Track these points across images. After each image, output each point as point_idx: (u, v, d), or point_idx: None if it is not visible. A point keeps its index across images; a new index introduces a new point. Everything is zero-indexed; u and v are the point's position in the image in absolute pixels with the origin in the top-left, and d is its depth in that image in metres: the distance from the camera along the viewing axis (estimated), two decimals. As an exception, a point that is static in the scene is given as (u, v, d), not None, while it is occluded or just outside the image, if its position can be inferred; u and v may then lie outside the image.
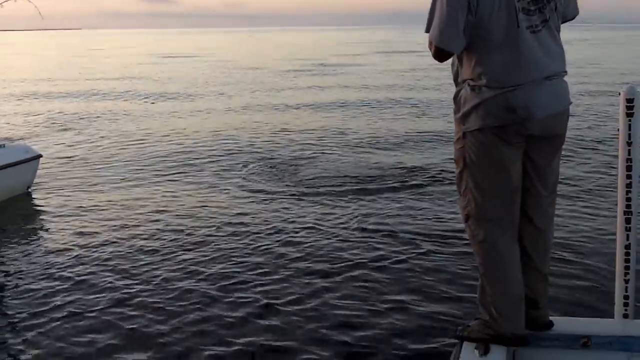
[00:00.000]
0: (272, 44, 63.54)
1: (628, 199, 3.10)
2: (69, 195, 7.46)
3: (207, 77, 23.82)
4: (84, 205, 7.01)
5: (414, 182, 7.63)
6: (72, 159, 9.53)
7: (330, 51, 44.76)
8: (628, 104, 3.07)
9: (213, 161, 9.38)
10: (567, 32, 2.96)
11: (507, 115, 2.85)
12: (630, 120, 3.07)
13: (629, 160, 3.08)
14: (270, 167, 8.92)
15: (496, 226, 3.01)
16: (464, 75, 2.96)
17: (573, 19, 3.11)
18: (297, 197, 7.20)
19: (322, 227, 6.11)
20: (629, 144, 3.08)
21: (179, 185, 7.81)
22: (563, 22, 3.05)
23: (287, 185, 7.74)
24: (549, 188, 3.09)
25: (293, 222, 6.28)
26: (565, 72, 3.00)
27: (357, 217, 6.38)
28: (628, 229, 3.11)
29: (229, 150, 10.20)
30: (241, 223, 6.31)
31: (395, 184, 7.65)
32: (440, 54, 2.93)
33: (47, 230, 6.33)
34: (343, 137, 11.20)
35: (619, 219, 3.12)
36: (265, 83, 21.51)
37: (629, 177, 3.08)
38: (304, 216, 6.47)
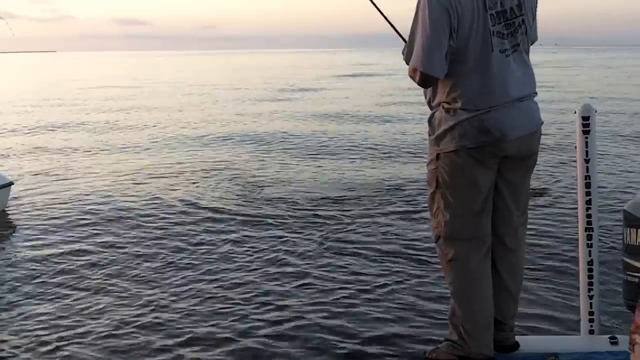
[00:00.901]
0: (245, 67, 63.42)
1: (588, 215, 3.13)
2: (41, 223, 7.34)
3: (170, 102, 23.57)
4: (56, 234, 6.87)
5: (390, 205, 7.60)
6: (44, 185, 9.36)
7: (304, 74, 44.95)
8: (584, 122, 3.13)
9: (180, 183, 9.29)
10: (543, 54, 3.00)
11: (482, 136, 2.89)
12: (586, 138, 3.13)
13: (587, 177, 3.13)
14: (237, 186, 8.83)
15: (467, 245, 3.04)
16: (439, 98, 2.99)
17: (532, 44, 3.17)
18: (265, 219, 7.14)
19: (289, 249, 6.07)
20: (587, 161, 3.13)
21: (146, 212, 7.66)
22: None
23: (255, 207, 7.67)
24: (521, 208, 3.13)
25: (262, 246, 6.20)
26: (536, 93, 3.07)
27: (328, 236, 6.35)
28: (589, 245, 3.14)
29: (196, 172, 10.10)
30: (212, 244, 6.20)
31: (368, 204, 7.64)
32: (426, 80, 2.92)
33: (15, 257, 6.19)
34: (316, 158, 11.19)
35: (580, 236, 3.16)
36: (243, 103, 21.52)
37: (588, 193, 3.13)
38: (273, 238, 6.40)
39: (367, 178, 9.19)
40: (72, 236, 6.60)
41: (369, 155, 11.17)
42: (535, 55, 2.95)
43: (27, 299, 5.04)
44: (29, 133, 15.25)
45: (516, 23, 2.92)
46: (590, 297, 3.17)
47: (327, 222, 6.93)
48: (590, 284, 3.16)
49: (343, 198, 8.01)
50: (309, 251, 5.96)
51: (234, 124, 16.08)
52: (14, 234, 6.90)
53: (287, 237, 6.42)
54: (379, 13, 3.28)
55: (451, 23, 2.79)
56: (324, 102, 22.27)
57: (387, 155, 11.11)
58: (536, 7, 3.07)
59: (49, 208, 7.85)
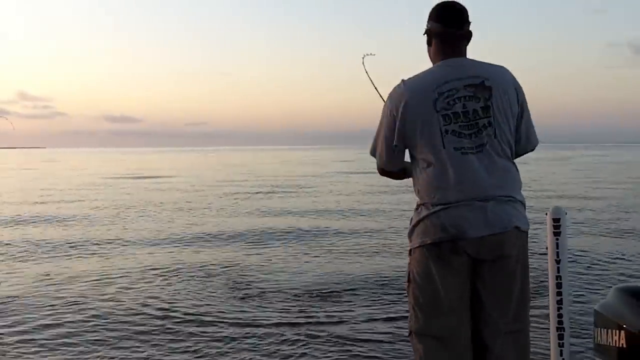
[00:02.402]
0: (236, 165, 63.22)
1: (559, 315, 3.20)
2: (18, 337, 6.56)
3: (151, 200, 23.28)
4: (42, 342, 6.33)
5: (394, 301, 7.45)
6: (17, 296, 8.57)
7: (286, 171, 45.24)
8: (555, 224, 3.25)
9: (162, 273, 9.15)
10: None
11: (440, 233, 2.94)
12: (557, 239, 3.24)
13: (558, 277, 3.22)
14: (218, 278, 8.76)
15: (437, 343, 3.00)
16: (416, 195, 3.13)
17: (533, 149, 3.22)
18: (260, 318, 6.92)
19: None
20: (558, 261, 3.22)
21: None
22: (524, 152, 3.17)
23: (239, 299, 7.56)
24: (509, 315, 3.01)
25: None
26: (509, 197, 3.00)
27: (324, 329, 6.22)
28: (561, 345, 3.19)
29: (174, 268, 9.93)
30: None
31: (364, 294, 7.60)
32: (382, 172, 3.34)
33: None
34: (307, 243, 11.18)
35: (552, 336, 3.21)
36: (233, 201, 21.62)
37: (559, 294, 3.21)
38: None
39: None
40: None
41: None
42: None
43: None
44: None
45: (480, 124, 2.96)
46: (563, 398, 3.19)
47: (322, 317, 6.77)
48: (563, 384, 3.19)
49: (340, 293, 7.85)
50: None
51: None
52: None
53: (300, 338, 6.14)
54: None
55: (396, 125, 3.05)
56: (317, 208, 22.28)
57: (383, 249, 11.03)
58: (518, 111, 3.08)
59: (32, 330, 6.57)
